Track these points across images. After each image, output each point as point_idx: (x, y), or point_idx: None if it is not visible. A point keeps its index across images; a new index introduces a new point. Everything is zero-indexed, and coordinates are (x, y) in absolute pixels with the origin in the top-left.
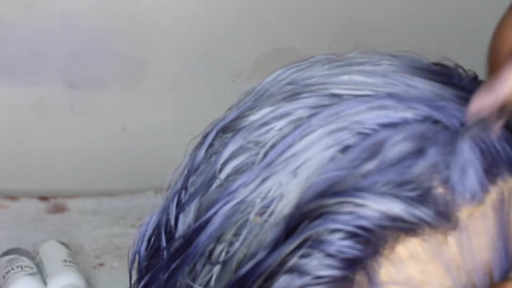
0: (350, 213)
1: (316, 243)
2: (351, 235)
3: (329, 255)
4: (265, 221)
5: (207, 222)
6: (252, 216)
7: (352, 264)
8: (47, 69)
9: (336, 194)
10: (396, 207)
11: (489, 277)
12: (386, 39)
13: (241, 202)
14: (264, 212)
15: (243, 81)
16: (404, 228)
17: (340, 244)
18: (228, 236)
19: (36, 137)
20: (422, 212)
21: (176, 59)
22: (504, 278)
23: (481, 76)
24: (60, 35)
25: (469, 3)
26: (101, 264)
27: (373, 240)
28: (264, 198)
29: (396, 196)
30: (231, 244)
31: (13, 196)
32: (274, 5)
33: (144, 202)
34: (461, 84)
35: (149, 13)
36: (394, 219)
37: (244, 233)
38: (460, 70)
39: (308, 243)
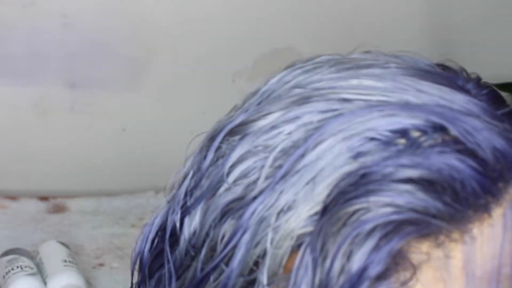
0: (384, 206)
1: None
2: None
3: None
4: (280, 233)
5: (234, 247)
6: (270, 231)
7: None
8: (48, 69)
9: (357, 196)
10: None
11: (488, 283)
12: (386, 39)
13: (260, 220)
14: (280, 225)
15: (243, 81)
16: (423, 228)
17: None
18: None
19: (36, 137)
20: (439, 209)
21: (176, 59)
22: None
23: (484, 78)
24: (60, 35)
25: (469, 3)
26: (101, 264)
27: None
28: (280, 212)
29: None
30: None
31: (13, 196)
32: (273, 5)
33: (144, 202)
34: (466, 87)
35: (149, 13)
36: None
37: (263, 250)
38: (465, 74)
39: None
